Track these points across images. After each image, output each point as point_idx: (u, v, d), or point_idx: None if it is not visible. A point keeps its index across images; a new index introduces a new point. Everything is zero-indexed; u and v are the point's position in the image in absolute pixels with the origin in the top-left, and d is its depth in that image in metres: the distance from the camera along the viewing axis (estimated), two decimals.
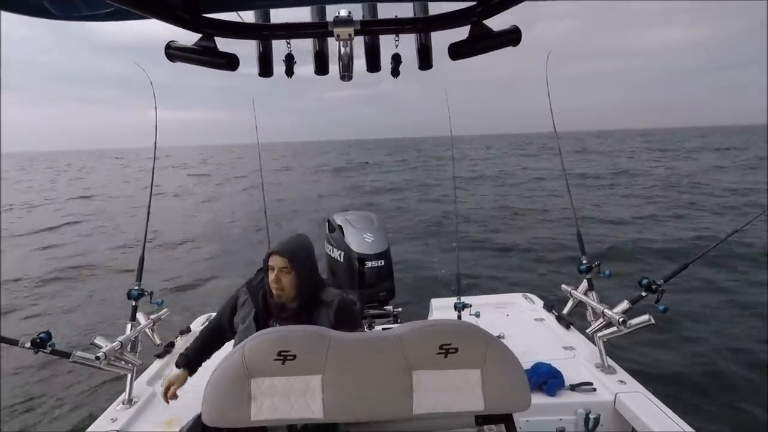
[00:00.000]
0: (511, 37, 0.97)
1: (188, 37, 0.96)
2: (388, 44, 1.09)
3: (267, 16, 1.04)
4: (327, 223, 3.65)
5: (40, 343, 1.99)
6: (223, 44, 0.98)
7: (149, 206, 2.81)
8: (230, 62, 0.97)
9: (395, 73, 1.13)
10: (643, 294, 2.31)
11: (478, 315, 2.79)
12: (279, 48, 1.12)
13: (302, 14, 1.03)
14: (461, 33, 0.98)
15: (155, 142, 3.00)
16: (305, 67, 1.17)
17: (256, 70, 1.15)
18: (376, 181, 23.28)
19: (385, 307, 3.41)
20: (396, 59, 1.10)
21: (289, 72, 1.12)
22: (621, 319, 2.26)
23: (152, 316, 2.63)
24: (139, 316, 2.55)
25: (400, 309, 3.43)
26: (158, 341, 2.69)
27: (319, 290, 1.82)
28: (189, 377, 1.93)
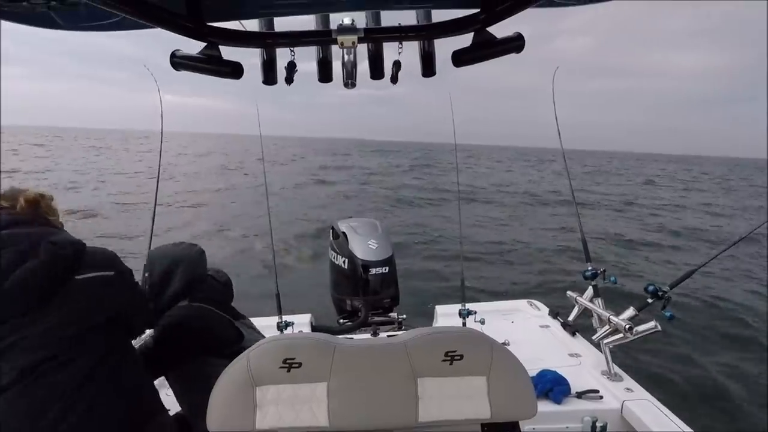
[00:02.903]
0: (515, 44, 0.97)
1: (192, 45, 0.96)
2: (391, 51, 1.09)
3: (271, 25, 1.05)
4: (331, 230, 3.64)
5: None
6: (228, 53, 0.99)
7: (155, 200, 2.77)
8: (234, 70, 0.98)
9: (394, 79, 1.14)
10: (650, 301, 2.29)
11: (483, 322, 2.76)
12: (283, 55, 1.12)
13: (306, 22, 1.03)
14: (466, 40, 0.98)
15: (161, 144, 3.00)
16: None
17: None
18: None
19: (390, 314, 3.39)
20: (396, 66, 1.11)
21: (289, 80, 1.12)
22: (627, 326, 2.24)
23: None
24: None
25: (404, 316, 3.41)
26: None
27: None
28: None
